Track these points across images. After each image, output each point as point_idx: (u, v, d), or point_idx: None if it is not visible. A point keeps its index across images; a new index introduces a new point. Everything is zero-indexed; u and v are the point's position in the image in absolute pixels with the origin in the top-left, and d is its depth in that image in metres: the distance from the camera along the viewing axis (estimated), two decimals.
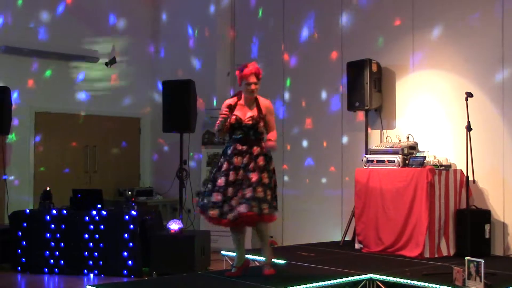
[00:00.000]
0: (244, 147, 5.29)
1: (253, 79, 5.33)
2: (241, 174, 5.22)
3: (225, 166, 5.29)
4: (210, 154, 9.31)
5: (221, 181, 5.23)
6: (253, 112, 5.34)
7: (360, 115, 7.77)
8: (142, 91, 10.37)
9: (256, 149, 5.28)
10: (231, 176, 5.21)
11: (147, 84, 10.37)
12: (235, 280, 5.27)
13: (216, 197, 5.20)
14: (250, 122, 5.31)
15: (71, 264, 7.29)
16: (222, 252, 6.70)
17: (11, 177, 8.88)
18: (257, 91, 5.38)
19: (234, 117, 5.33)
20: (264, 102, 5.44)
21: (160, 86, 8.45)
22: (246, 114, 5.35)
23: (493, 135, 6.69)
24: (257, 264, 6.11)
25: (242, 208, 5.07)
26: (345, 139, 8.11)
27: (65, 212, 7.40)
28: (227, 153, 5.36)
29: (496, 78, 6.70)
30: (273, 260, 5.50)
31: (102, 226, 7.23)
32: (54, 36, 9.41)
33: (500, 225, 6.59)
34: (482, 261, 4.69)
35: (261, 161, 5.26)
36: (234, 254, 6.47)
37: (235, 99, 5.44)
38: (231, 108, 5.33)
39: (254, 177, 5.16)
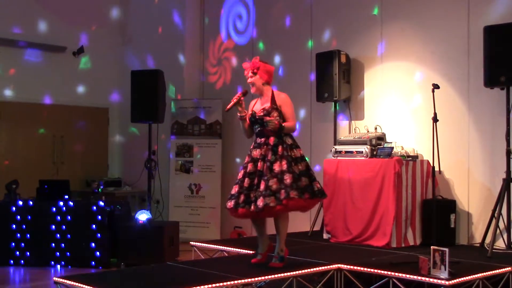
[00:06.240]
0: (262, 139, 5.40)
1: (248, 73, 5.47)
2: (260, 165, 5.30)
3: (246, 159, 5.46)
4: (179, 145, 9.28)
5: (240, 174, 5.41)
6: (266, 104, 5.43)
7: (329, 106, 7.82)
8: (110, 81, 10.26)
9: (272, 139, 5.35)
10: (249, 167, 5.35)
11: (115, 73, 10.26)
12: (204, 270, 5.28)
13: (234, 189, 5.37)
14: (262, 113, 5.39)
15: (37, 255, 7.22)
16: (191, 243, 6.69)
17: None
18: (254, 85, 5.45)
19: (250, 112, 5.49)
20: (279, 95, 5.51)
21: (128, 76, 8.37)
22: (260, 107, 5.46)
23: (458, 127, 6.79)
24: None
25: (260, 203, 5.15)
26: (313, 130, 8.16)
27: (31, 203, 7.32)
28: (250, 147, 5.50)
29: (461, 70, 6.79)
30: (283, 255, 5.45)
31: (69, 217, 7.18)
32: (21, 24, 9.24)
33: (465, 214, 6.71)
34: (447, 250, 4.76)
35: (280, 150, 5.32)
36: (204, 244, 6.56)
37: (256, 99, 5.60)
38: (244, 93, 5.47)
39: (276, 168, 5.25)
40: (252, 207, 5.22)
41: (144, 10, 10.11)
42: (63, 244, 7.19)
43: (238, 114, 5.49)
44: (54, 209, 7.22)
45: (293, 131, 5.51)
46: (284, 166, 5.25)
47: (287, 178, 5.21)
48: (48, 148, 9.64)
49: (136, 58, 10.00)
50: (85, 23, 9.91)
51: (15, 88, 9.21)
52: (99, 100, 10.17)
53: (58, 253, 7.19)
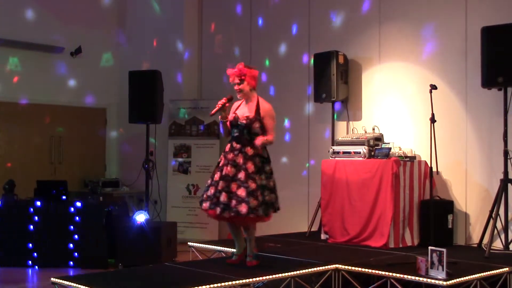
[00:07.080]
0: (238, 145, 5.41)
1: (234, 80, 5.47)
2: (233, 170, 5.32)
3: (222, 161, 5.46)
4: (177, 145, 9.27)
5: (217, 175, 5.41)
6: (250, 113, 5.44)
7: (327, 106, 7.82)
8: (108, 81, 10.24)
9: (250, 150, 5.37)
10: (224, 171, 5.36)
11: (113, 74, 10.24)
12: (202, 271, 5.28)
13: (211, 190, 5.39)
14: (244, 122, 5.41)
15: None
16: (189, 243, 6.69)
17: None
18: (241, 92, 5.47)
19: (233, 115, 5.49)
20: (264, 105, 5.51)
21: (126, 76, 8.36)
22: (244, 113, 5.46)
23: (456, 127, 6.80)
24: (223, 255, 6.15)
25: (244, 209, 5.20)
26: (311, 130, 8.16)
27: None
28: (225, 149, 5.52)
29: (459, 71, 6.80)
30: (256, 252, 5.56)
31: (66, 218, 7.16)
32: (19, 25, 9.22)
33: (463, 215, 6.72)
34: (445, 250, 4.77)
35: (258, 162, 5.38)
36: (202, 245, 6.56)
37: (242, 100, 5.58)
38: (229, 99, 5.47)
39: (258, 179, 5.30)
40: (223, 212, 5.27)
41: (142, 10, 10.09)
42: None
43: (220, 119, 5.51)
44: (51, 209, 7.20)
45: (271, 144, 5.52)
46: (264, 181, 5.37)
47: (266, 195, 5.38)
48: (46, 148, 9.63)
49: (134, 58, 9.98)
50: (83, 23, 9.88)
51: (12, 88, 9.19)
52: (97, 100, 10.15)
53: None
